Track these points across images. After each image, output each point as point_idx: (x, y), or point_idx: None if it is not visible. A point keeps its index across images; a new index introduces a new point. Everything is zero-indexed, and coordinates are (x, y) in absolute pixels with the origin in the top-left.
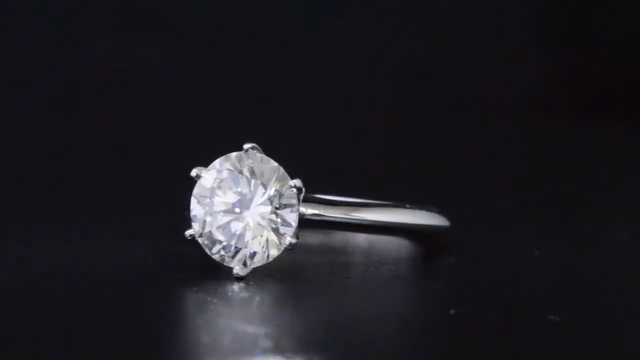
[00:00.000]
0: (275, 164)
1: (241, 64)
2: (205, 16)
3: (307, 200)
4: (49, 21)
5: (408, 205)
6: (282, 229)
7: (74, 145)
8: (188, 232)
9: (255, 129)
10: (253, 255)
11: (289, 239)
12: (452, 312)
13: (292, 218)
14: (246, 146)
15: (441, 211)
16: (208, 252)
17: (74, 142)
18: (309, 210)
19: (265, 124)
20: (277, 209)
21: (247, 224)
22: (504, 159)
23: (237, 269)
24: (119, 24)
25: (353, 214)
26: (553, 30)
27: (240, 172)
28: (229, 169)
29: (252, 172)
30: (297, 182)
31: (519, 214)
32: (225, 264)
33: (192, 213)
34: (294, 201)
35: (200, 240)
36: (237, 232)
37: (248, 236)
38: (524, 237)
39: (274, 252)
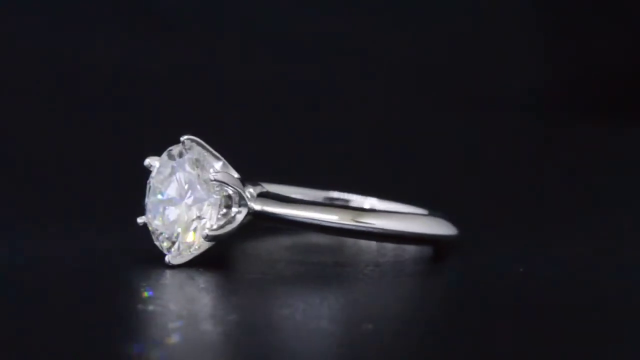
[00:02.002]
0: (207, 157)
1: (240, 63)
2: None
3: (278, 199)
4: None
5: (416, 211)
6: (204, 221)
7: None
8: (139, 220)
9: (256, 127)
10: (183, 244)
11: (205, 231)
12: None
13: (211, 210)
14: (182, 138)
15: (445, 215)
16: (153, 239)
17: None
18: (257, 207)
19: (265, 123)
20: (205, 200)
21: (178, 215)
22: (504, 158)
23: (169, 257)
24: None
25: (360, 220)
26: (554, 30)
27: (176, 164)
28: (169, 160)
29: (186, 164)
30: (217, 175)
31: (519, 215)
32: (163, 251)
33: (145, 201)
34: (217, 195)
35: (149, 227)
36: (170, 222)
37: (177, 226)
38: (525, 239)
39: (199, 244)
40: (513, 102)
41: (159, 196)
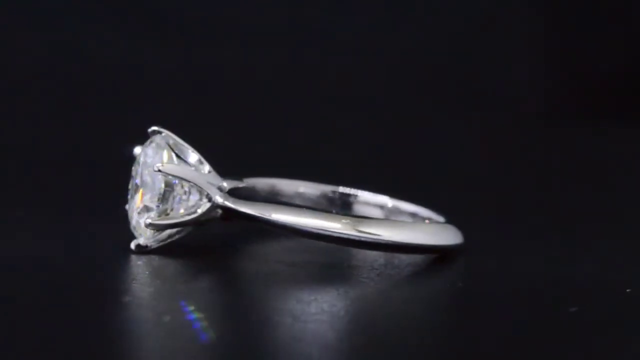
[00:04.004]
0: (164, 149)
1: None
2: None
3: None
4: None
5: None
6: (147, 211)
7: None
8: (126, 206)
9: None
10: (143, 232)
11: (149, 220)
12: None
13: (152, 198)
14: (149, 129)
15: (450, 220)
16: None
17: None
18: (221, 201)
19: (267, 122)
20: (152, 190)
21: (136, 202)
22: (506, 161)
23: (133, 243)
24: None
25: (362, 228)
26: (554, 30)
27: (144, 153)
28: (141, 150)
29: (150, 154)
30: (162, 166)
31: (522, 218)
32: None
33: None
34: (160, 184)
35: None
36: (131, 210)
37: (134, 214)
38: (529, 243)
39: (150, 233)
40: (514, 103)
41: (132, 183)
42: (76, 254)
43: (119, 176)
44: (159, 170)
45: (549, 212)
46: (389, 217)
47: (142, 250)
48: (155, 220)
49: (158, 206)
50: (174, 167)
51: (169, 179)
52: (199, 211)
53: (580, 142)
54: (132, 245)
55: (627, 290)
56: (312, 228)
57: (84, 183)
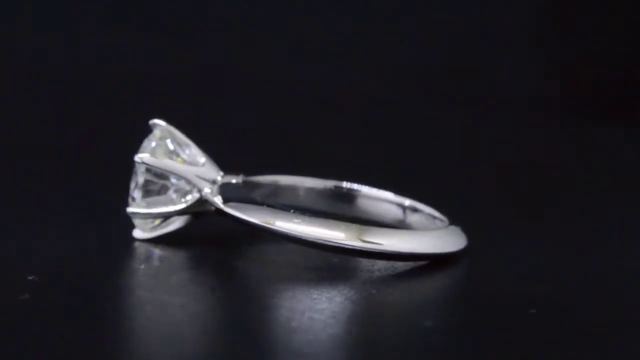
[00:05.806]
0: (157, 141)
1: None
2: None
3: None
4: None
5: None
6: (133, 201)
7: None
8: None
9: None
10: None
11: (129, 209)
12: None
13: (135, 189)
14: (150, 122)
15: (453, 221)
16: None
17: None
18: (207, 193)
19: (266, 122)
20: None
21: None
22: (503, 159)
23: (135, 231)
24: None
25: (364, 238)
26: (553, 29)
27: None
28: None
29: (144, 147)
30: (144, 157)
31: (518, 217)
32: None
33: None
34: (140, 176)
35: None
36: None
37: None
38: (525, 241)
39: (147, 222)
40: (515, 103)
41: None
42: (78, 251)
43: (120, 174)
44: (142, 162)
45: (550, 213)
46: (396, 212)
47: (139, 238)
48: (137, 209)
49: (147, 195)
50: (156, 159)
51: (156, 170)
52: (184, 204)
53: (580, 141)
54: (134, 233)
55: (532, 311)
56: (311, 237)
57: (84, 182)
